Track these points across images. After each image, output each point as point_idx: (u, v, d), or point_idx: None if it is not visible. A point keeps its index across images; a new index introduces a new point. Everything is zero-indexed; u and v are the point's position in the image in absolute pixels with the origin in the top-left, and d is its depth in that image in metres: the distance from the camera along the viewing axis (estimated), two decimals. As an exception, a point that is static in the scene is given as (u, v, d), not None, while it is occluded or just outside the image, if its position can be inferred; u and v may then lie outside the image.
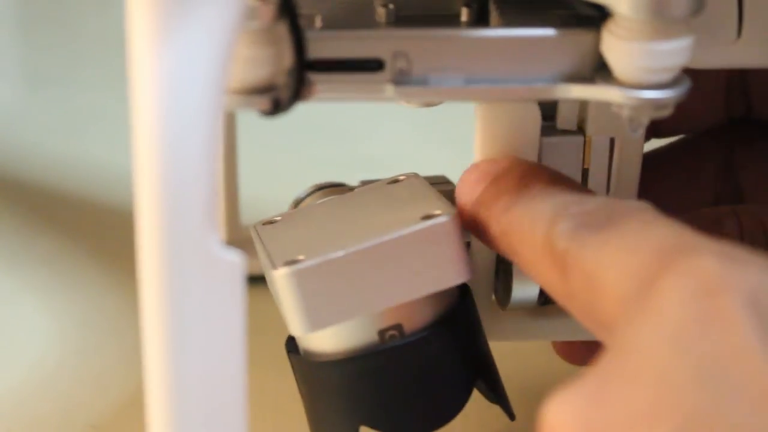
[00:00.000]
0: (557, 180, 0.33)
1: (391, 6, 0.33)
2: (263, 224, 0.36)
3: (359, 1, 0.34)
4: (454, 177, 0.40)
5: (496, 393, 0.36)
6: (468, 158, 0.36)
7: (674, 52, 0.30)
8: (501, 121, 0.34)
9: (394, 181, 0.36)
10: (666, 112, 0.31)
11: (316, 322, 0.33)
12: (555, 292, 0.31)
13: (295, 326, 0.33)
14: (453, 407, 0.35)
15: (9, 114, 0.69)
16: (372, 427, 0.35)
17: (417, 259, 0.33)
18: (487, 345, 0.36)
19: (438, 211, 0.33)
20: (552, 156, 0.35)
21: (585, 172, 0.36)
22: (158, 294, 0.28)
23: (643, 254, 0.27)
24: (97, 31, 0.78)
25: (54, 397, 0.45)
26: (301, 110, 0.32)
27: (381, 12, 0.33)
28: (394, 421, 0.34)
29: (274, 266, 0.33)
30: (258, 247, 0.35)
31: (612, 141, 0.36)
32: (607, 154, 0.36)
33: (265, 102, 0.31)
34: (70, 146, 0.64)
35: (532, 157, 0.35)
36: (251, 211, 0.36)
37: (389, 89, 0.32)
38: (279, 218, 0.37)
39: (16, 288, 0.52)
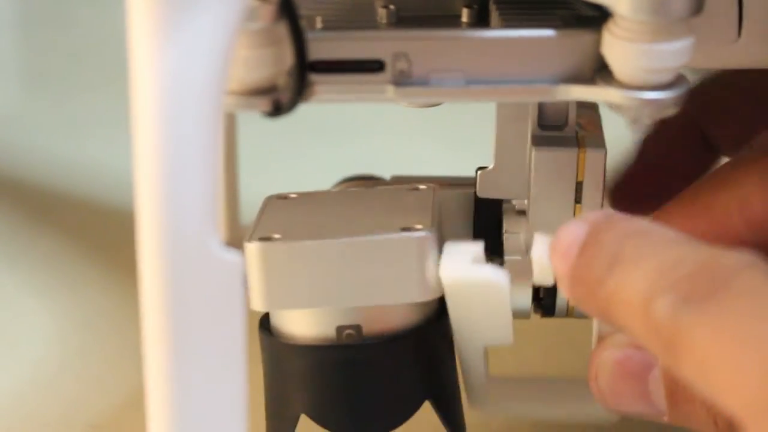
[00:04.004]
0: (641, 231, 0.29)
1: (391, 7, 0.33)
2: (277, 198, 0.37)
3: (360, 2, 0.34)
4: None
5: (446, 419, 0.35)
6: (469, 159, 0.36)
7: (674, 53, 0.30)
8: None
9: (414, 188, 0.36)
10: (668, 113, 0.31)
11: (272, 302, 0.33)
12: (669, 369, 0.28)
13: (253, 300, 0.33)
14: (392, 419, 0.35)
15: (9, 114, 0.70)
16: (311, 418, 0.35)
17: (382, 267, 0.33)
18: (449, 372, 0.36)
19: (418, 226, 0.33)
20: (545, 169, 0.35)
21: (579, 186, 0.36)
22: (158, 294, 0.28)
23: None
24: (97, 31, 0.78)
25: (54, 397, 0.45)
26: (302, 110, 0.32)
27: (382, 13, 0.33)
28: (331, 418, 0.34)
29: (249, 239, 0.33)
30: (256, 217, 0.36)
31: (605, 154, 0.35)
32: (602, 167, 0.36)
33: (266, 103, 0.31)
34: (70, 147, 0.64)
35: None
36: (251, 211, 0.36)
37: (390, 90, 0.32)
38: (294, 196, 0.37)
39: (17, 288, 0.52)
